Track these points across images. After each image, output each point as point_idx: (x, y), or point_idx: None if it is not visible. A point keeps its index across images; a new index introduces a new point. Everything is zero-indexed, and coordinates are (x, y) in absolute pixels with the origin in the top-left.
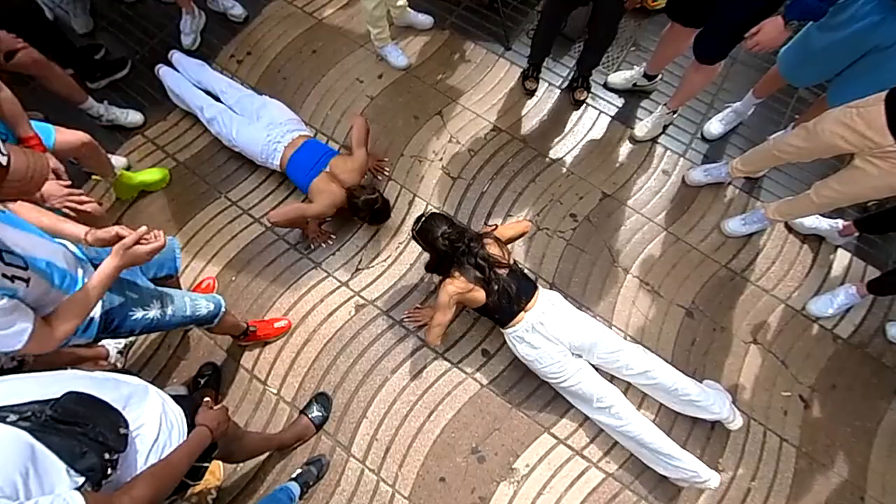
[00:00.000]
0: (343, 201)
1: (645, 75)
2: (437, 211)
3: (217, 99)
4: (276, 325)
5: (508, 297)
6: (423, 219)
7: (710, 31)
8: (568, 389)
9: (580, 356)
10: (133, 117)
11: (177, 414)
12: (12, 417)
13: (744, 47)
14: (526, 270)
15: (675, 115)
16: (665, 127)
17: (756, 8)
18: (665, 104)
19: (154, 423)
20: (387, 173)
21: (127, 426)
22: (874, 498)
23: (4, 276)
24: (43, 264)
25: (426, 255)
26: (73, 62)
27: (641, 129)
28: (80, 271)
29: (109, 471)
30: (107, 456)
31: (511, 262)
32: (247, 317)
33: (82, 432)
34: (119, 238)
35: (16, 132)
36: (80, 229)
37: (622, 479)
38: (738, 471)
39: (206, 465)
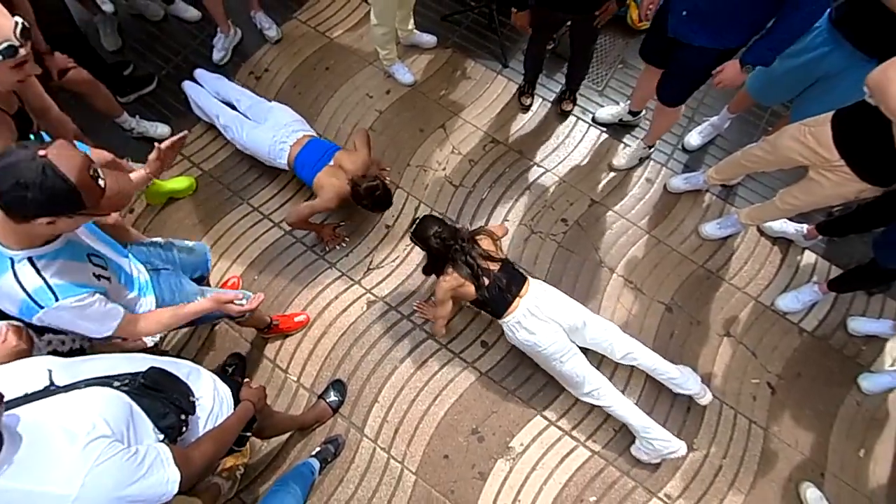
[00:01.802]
0: (346, 193)
1: (630, 112)
2: (431, 213)
3: (233, 108)
4: (296, 319)
5: (499, 288)
6: (417, 221)
7: (670, 77)
8: (563, 372)
9: (573, 342)
10: (161, 129)
11: (225, 390)
12: (116, 384)
13: (711, 84)
14: (521, 270)
15: (651, 150)
16: (642, 160)
17: (711, 55)
18: (643, 139)
19: (209, 396)
20: (388, 181)
21: (194, 395)
22: (833, 474)
23: (94, 275)
24: (116, 266)
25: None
26: (104, 78)
27: (620, 160)
28: (135, 273)
29: (183, 429)
30: (182, 417)
31: (504, 256)
32: (269, 312)
33: (165, 397)
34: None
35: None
36: (141, 169)
37: (607, 456)
38: (711, 449)
39: (248, 434)
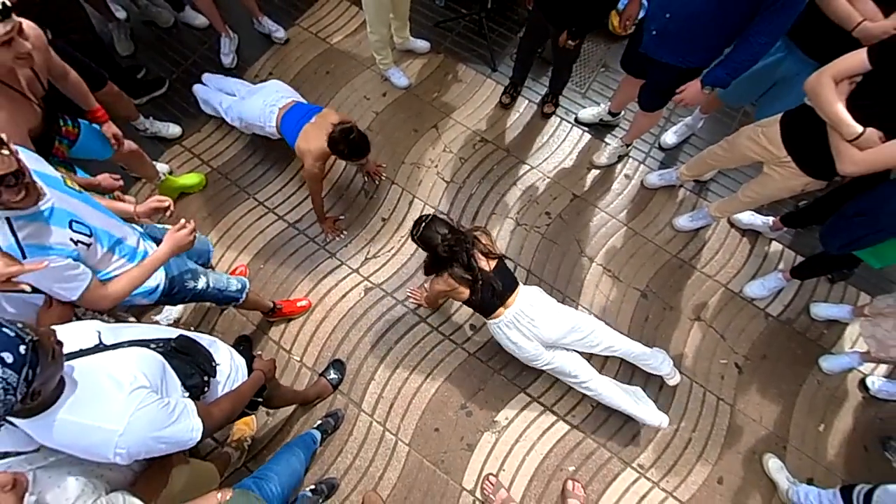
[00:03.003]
0: (326, 150)
1: (610, 112)
2: (436, 214)
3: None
4: (299, 304)
5: (492, 292)
6: (423, 223)
7: (647, 88)
8: (545, 370)
9: (553, 347)
10: (173, 129)
11: (240, 360)
12: (153, 346)
13: (673, 101)
14: (507, 261)
15: (629, 148)
16: (621, 157)
17: (676, 73)
18: (622, 138)
19: (226, 363)
20: (384, 177)
21: (215, 361)
22: (794, 447)
23: (71, 239)
24: (106, 236)
25: (424, 255)
26: (119, 81)
27: (600, 157)
28: (142, 246)
29: (206, 389)
30: (205, 378)
31: (499, 253)
32: (274, 297)
33: (191, 360)
34: (155, 208)
35: (85, 106)
36: (130, 206)
37: (584, 430)
38: (681, 423)
39: (259, 399)
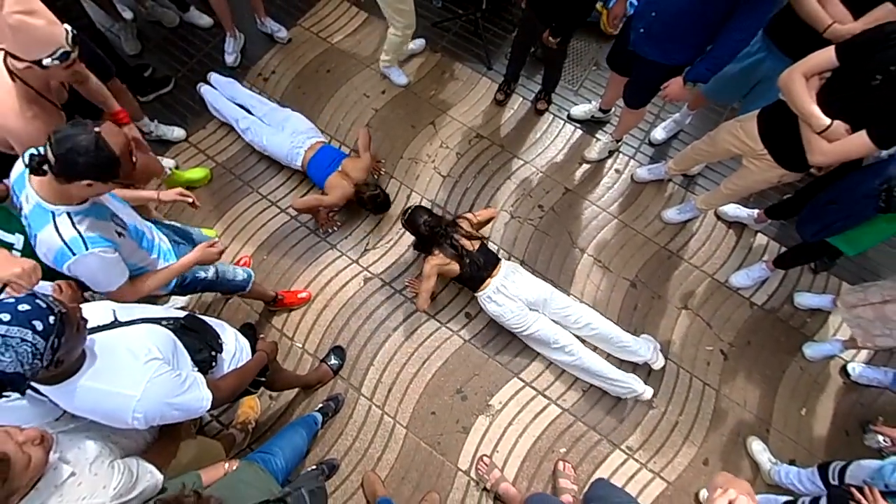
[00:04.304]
0: (352, 194)
1: (600, 109)
2: (420, 204)
3: (249, 112)
4: (300, 295)
5: (477, 266)
6: (409, 211)
7: (632, 85)
8: (530, 337)
9: (537, 310)
10: (177, 133)
11: (244, 341)
12: (164, 323)
13: (659, 97)
14: (501, 251)
15: (619, 144)
16: (611, 152)
17: (662, 70)
18: (612, 134)
19: (232, 343)
20: (384, 172)
21: (221, 339)
22: (777, 430)
23: (115, 232)
24: (134, 229)
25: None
26: (126, 79)
27: (591, 152)
28: (157, 240)
29: (213, 364)
30: (213, 354)
31: (481, 236)
32: (276, 288)
33: (200, 337)
34: (181, 195)
35: (106, 109)
36: (153, 193)
37: (575, 413)
38: (668, 407)
39: (263, 379)
